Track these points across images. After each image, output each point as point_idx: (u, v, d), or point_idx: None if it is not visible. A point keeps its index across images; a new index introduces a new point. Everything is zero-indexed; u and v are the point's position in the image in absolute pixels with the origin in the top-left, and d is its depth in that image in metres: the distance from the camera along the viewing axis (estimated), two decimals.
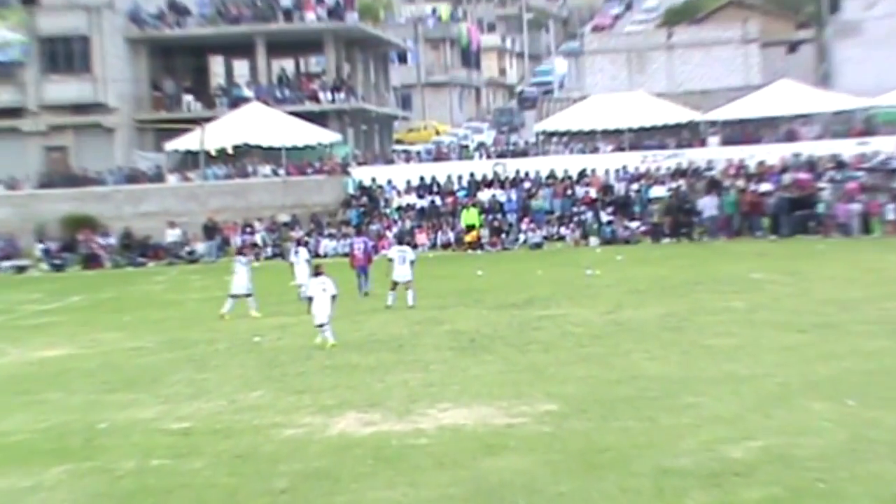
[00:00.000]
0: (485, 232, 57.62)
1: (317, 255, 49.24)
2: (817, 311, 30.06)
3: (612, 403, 20.21)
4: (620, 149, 64.03)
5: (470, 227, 57.65)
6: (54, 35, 72.22)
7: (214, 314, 35.44)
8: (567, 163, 62.87)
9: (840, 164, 57.82)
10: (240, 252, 39.61)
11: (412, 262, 36.42)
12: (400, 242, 40.30)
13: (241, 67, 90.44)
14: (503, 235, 57.59)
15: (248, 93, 77.20)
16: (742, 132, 64.64)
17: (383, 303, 35.96)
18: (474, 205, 58.89)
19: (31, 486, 17.24)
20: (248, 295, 35.95)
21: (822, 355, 23.72)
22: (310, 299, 29.12)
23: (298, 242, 44.96)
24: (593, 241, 56.09)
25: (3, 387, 25.93)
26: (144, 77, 76.18)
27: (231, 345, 30.05)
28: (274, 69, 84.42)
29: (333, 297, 28.82)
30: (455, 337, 29.21)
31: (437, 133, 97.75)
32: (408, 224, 59.60)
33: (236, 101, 74.65)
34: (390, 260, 36.71)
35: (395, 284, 36.00)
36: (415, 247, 57.05)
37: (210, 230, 59.45)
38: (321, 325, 28.71)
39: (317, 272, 29.86)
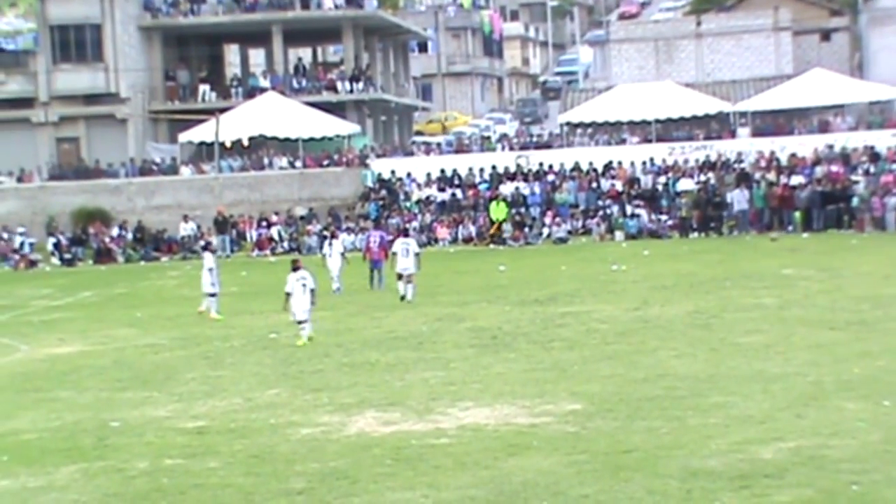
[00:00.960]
0: (507, 226, 57.57)
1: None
2: (851, 309, 30.01)
3: (639, 403, 20.22)
4: (647, 140, 63.90)
5: (498, 221, 57.48)
6: (65, 23, 72.31)
7: (229, 310, 35.50)
8: (592, 155, 62.74)
9: (875, 157, 57.61)
10: (205, 248, 39.49)
11: (416, 255, 37.12)
12: (404, 235, 40.74)
13: (256, 56, 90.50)
14: (526, 229, 57.56)
15: (264, 83, 77.20)
16: (773, 123, 64.47)
17: (398, 300, 36.47)
18: (504, 199, 58.77)
19: (42, 486, 17.33)
20: (213, 294, 35.41)
21: (856, 354, 23.69)
22: (288, 295, 29.17)
23: (332, 235, 44.99)
24: (619, 235, 56.03)
25: (14, 384, 26.06)
26: (158, 66, 76.29)
27: (246, 342, 30.14)
28: (291, 58, 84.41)
29: (312, 291, 29.01)
30: (476, 334, 29.25)
31: (444, 128, 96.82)
32: (428, 218, 59.60)
33: (252, 92, 74.69)
34: (394, 253, 37.46)
35: (399, 276, 36.83)
36: (436, 241, 57.56)
37: (221, 224, 59.45)
38: (301, 322, 28.92)
39: (295, 266, 29.76)
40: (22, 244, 59.77)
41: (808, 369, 22.31)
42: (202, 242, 40.62)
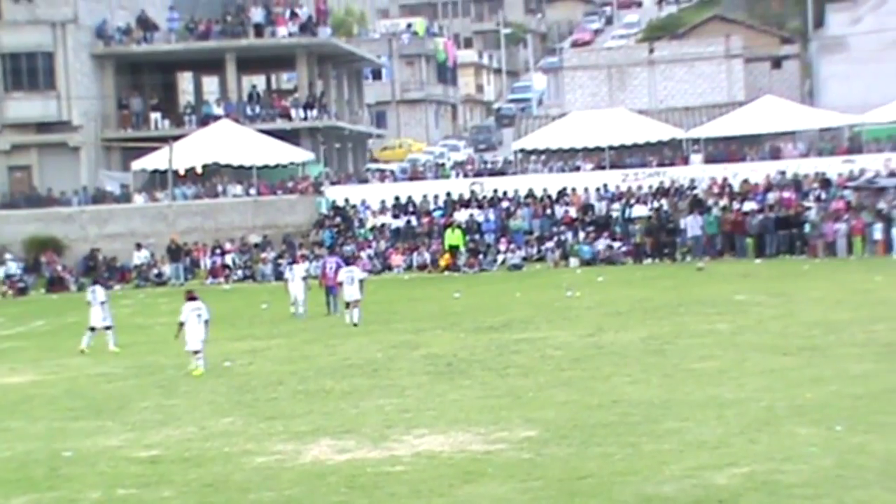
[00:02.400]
0: (462, 252, 57.60)
1: (279, 277, 49.29)
2: (803, 334, 30.17)
3: (593, 429, 20.25)
4: (601, 167, 64.13)
5: (453, 248, 57.57)
6: (17, 51, 71.87)
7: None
8: (546, 181, 62.93)
9: (826, 183, 58.05)
10: (95, 281, 39.40)
11: (361, 282, 38.23)
12: (347, 263, 41.80)
13: (210, 84, 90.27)
14: (481, 256, 57.61)
15: (217, 110, 77.00)
16: (725, 150, 64.83)
17: (353, 327, 36.95)
18: (459, 226, 58.83)
19: None
20: (108, 328, 35.24)
21: (809, 379, 23.81)
22: (181, 325, 29.32)
23: (294, 260, 45.83)
24: (574, 261, 56.15)
25: None
26: (111, 94, 75.97)
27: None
28: (244, 86, 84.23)
29: (206, 322, 29.23)
30: (431, 361, 29.24)
31: (402, 153, 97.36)
32: (382, 245, 59.61)
33: (206, 119, 74.48)
34: (340, 283, 38.47)
35: (347, 304, 37.96)
36: (390, 268, 57.58)
37: (175, 252, 59.31)
38: (196, 352, 29.05)
39: (190, 297, 29.98)
40: None
41: (761, 394, 22.40)
42: (93, 280, 40.39)
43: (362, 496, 16.90)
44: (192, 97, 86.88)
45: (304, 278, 42.08)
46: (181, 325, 29.38)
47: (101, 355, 33.96)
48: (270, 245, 60.29)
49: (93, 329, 35.01)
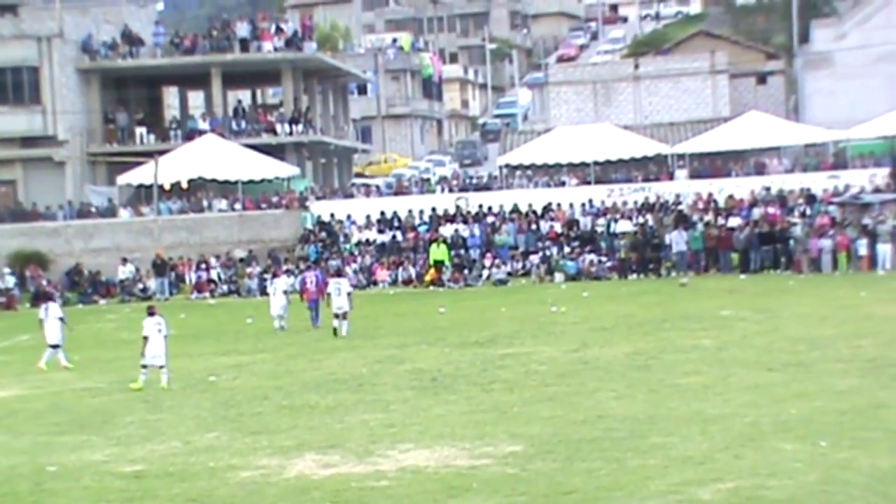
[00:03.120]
0: (447, 267, 57.60)
1: (264, 292, 49.38)
2: (788, 350, 30.23)
3: (578, 444, 20.27)
4: (586, 182, 64.22)
5: (438, 263, 57.58)
6: (2, 65, 71.86)
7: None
8: (531, 197, 63.00)
9: (811, 199, 58.22)
10: (49, 298, 39.21)
11: (349, 294, 38.81)
12: (336, 275, 42.24)
13: (196, 99, 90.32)
14: (466, 271, 57.63)
15: (203, 125, 76.98)
16: (711, 165, 64.96)
17: (338, 339, 37.42)
18: (444, 241, 58.84)
19: None
20: (56, 346, 34.89)
21: (793, 395, 23.85)
22: (145, 339, 29.59)
23: (275, 274, 46.34)
24: (558, 277, 56.17)
25: None
26: (96, 108, 75.91)
27: (185, 384, 29.98)
28: (230, 101, 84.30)
29: (166, 337, 29.49)
30: (416, 376, 29.24)
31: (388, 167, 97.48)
32: (367, 260, 59.64)
33: (191, 134, 74.47)
34: (328, 294, 38.96)
35: (335, 315, 38.39)
36: (375, 283, 57.62)
37: (160, 266, 59.29)
38: (161, 367, 29.29)
39: (150, 312, 30.30)
40: None
41: (746, 410, 22.43)
42: (54, 292, 40.38)
43: None
44: (178, 112, 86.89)
45: (286, 292, 42.17)
46: (146, 339, 29.59)
47: (85, 370, 33.92)
48: (255, 260, 60.27)
49: (55, 346, 34.86)
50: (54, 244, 63.05)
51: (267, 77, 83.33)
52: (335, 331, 38.12)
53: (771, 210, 57.17)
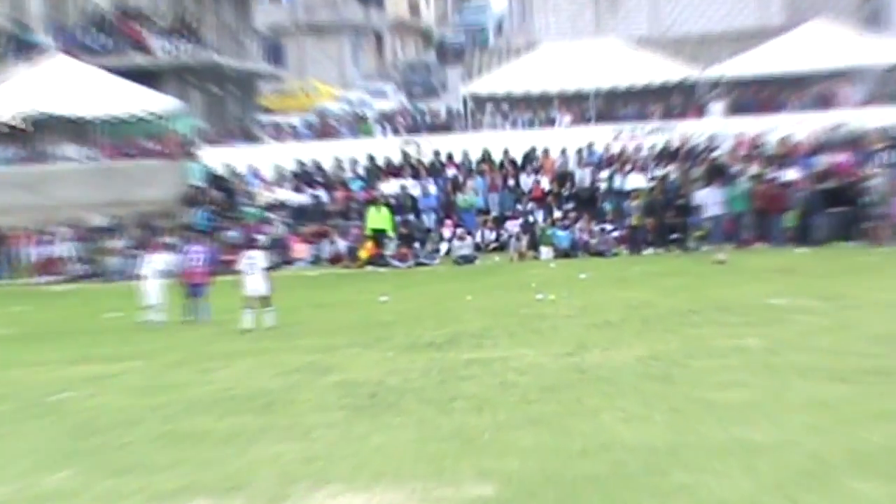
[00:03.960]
0: (390, 239, 57.65)
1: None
2: (865, 352, 30.38)
3: (574, 484, 20.37)
4: (584, 120, 64.38)
5: (378, 234, 57.49)
6: None
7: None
8: (508, 141, 63.06)
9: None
10: None
11: (266, 271, 38.72)
12: (248, 247, 41.83)
13: (36, 4, 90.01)
14: (417, 245, 57.68)
15: (45, 40, 76.82)
16: (757, 96, 65.20)
17: (238, 342, 36.86)
18: (386, 203, 58.79)
19: None
20: None
21: (873, 415, 23.99)
22: None
23: (149, 249, 46.20)
24: (546, 252, 56.31)
25: None
26: None
27: (23, 405, 29.91)
28: (86, 6, 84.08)
29: None
30: (348, 391, 29.30)
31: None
32: (280, 229, 59.60)
33: (28, 52, 74.27)
34: (241, 272, 38.78)
35: (247, 300, 38.07)
36: (290, 262, 57.56)
37: None
38: None
39: None
40: None
41: (806, 437, 22.58)
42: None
43: None
44: (10, 22, 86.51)
45: (163, 274, 42.01)
46: None
47: None
48: (121, 230, 60.13)
49: None
50: None
51: None
52: (244, 328, 37.90)
53: (840, 158, 57.35)
